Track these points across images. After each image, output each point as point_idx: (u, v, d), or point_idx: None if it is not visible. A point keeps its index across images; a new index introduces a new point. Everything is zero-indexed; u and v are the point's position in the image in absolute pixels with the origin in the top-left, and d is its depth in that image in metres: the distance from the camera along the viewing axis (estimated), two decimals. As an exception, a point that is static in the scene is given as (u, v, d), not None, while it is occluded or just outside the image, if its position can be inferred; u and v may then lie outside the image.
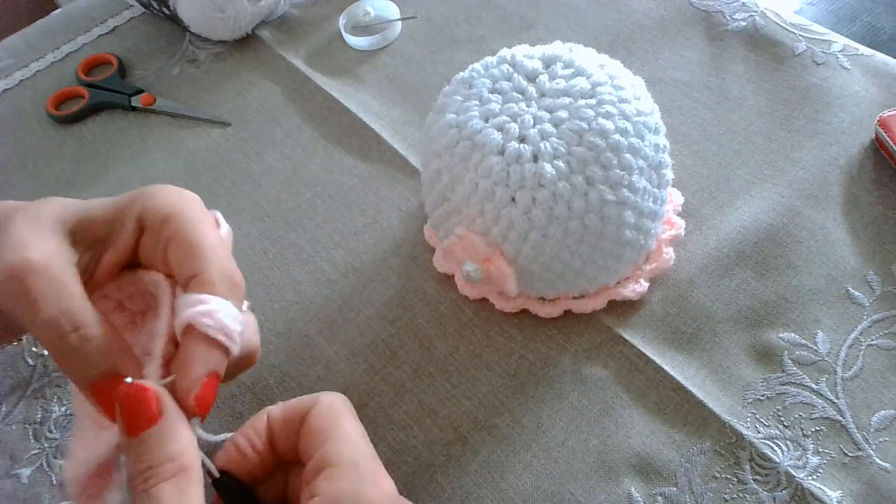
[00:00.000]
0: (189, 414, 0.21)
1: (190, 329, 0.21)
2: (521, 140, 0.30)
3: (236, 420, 0.33)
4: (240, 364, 0.24)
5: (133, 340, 0.24)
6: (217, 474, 0.23)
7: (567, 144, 0.29)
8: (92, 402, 0.21)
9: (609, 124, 0.29)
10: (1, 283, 0.21)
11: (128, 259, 0.24)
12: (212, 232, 0.24)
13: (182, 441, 0.21)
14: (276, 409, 0.25)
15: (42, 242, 0.22)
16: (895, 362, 0.31)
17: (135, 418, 0.20)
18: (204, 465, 0.22)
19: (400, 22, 0.49)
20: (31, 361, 0.37)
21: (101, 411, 0.21)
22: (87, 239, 0.23)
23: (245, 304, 0.24)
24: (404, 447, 0.31)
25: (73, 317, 0.21)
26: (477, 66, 0.33)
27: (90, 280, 0.23)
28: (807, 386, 0.31)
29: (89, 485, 0.22)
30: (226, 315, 0.22)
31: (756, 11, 0.45)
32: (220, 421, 0.33)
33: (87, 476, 0.22)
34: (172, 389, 0.21)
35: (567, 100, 0.30)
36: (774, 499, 0.28)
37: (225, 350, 0.22)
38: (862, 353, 0.32)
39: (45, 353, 0.37)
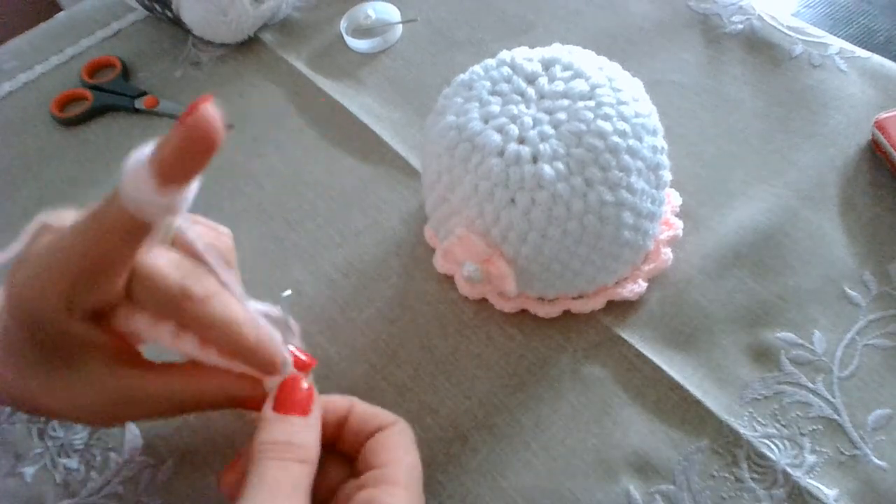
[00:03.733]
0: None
1: None
2: (521, 141, 0.30)
3: (237, 418, 0.33)
4: None
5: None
6: None
7: (566, 146, 0.30)
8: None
9: (608, 126, 0.30)
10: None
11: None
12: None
13: (317, 439, 0.24)
14: (361, 406, 0.27)
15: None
16: (891, 362, 0.32)
17: (291, 402, 0.24)
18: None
19: (401, 25, 0.49)
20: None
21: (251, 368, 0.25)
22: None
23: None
24: (405, 446, 0.32)
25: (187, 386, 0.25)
26: (477, 68, 0.33)
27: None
28: (804, 385, 0.31)
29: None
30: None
31: (753, 14, 0.46)
32: (224, 419, 0.33)
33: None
34: None
35: (566, 101, 0.31)
36: (772, 497, 0.29)
37: None
38: (858, 352, 0.32)
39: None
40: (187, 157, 0.20)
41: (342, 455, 0.26)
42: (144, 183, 0.20)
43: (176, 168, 0.20)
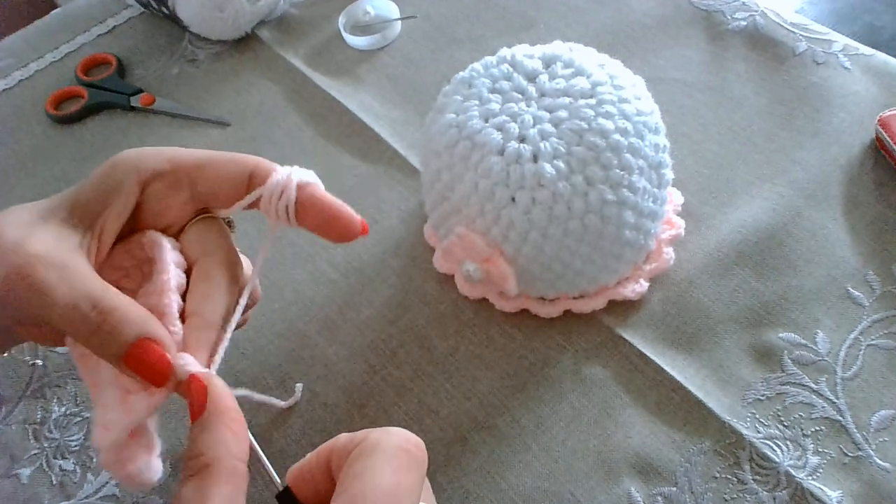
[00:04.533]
0: (362, 232, 0.25)
1: (305, 188, 0.24)
2: (521, 140, 0.30)
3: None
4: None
5: (142, 303, 0.23)
6: (279, 487, 0.22)
7: (567, 144, 0.29)
8: (127, 373, 0.21)
9: (609, 124, 0.29)
10: (9, 284, 0.21)
11: (128, 224, 0.24)
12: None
13: (215, 435, 0.20)
14: (342, 438, 0.22)
15: (39, 234, 0.22)
16: (895, 362, 0.31)
17: (190, 408, 0.21)
18: (267, 474, 0.22)
19: (400, 21, 0.49)
20: (30, 361, 0.37)
21: (139, 379, 0.21)
22: (83, 218, 0.23)
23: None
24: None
25: (90, 295, 0.21)
26: (477, 65, 0.33)
27: (97, 256, 0.23)
28: (807, 386, 0.31)
29: (124, 449, 0.22)
30: (308, 173, 0.25)
31: (756, 11, 0.45)
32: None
33: (121, 440, 0.21)
34: None
35: (567, 99, 0.30)
36: (774, 499, 0.28)
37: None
38: (862, 352, 0.32)
39: (49, 353, 0.37)
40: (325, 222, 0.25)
41: None
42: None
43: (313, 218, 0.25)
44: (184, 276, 0.24)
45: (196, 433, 0.20)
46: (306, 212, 0.24)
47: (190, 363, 0.21)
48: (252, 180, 0.24)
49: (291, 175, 0.24)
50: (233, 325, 0.23)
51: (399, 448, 0.20)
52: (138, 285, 0.24)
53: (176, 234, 0.25)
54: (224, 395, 0.21)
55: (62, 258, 0.21)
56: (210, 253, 0.24)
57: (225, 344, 0.23)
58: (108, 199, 0.23)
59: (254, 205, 0.25)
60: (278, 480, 0.22)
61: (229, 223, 0.26)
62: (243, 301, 0.24)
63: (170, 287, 0.22)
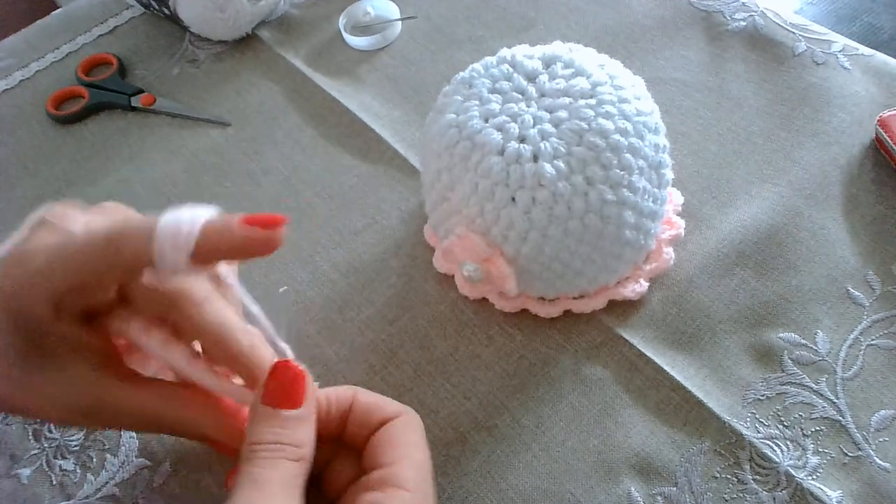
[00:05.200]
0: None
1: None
2: (521, 140, 0.30)
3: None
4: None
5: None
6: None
7: (567, 144, 0.29)
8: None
9: (609, 124, 0.29)
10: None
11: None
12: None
13: (311, 434, 0.22)
14: (364, 396, 0.25)
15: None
16: (895, 362, 0.31)
17: (282, 394, 0.22)
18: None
19: (400, 22, 0.49)
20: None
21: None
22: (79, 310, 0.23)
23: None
24: (404, 447, 0.31)
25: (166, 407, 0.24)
26: (477, 65, 0.33)
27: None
28: (807, 386, 0.31)
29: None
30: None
31: (756, 11, 0.45)
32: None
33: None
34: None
35: (567, 100, 0.30)
36: (774, 499, 0.28)
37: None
38: (862, 352, 0.32)
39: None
40: (236, 253, 0.21)
41: (351, 448, 0.25)
42: (180, 254, 0.20)
43: (220, 256, 0.21)
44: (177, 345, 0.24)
45: (294, 424, 0.22)
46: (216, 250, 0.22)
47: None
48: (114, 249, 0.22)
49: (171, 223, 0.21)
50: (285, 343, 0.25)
51: (420, 424, 0.25)
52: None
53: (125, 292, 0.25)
54: (315, 397, 0.24)
55: (104, 391, 0.23)
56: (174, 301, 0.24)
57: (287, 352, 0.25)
58: (52, 331, 0.23)
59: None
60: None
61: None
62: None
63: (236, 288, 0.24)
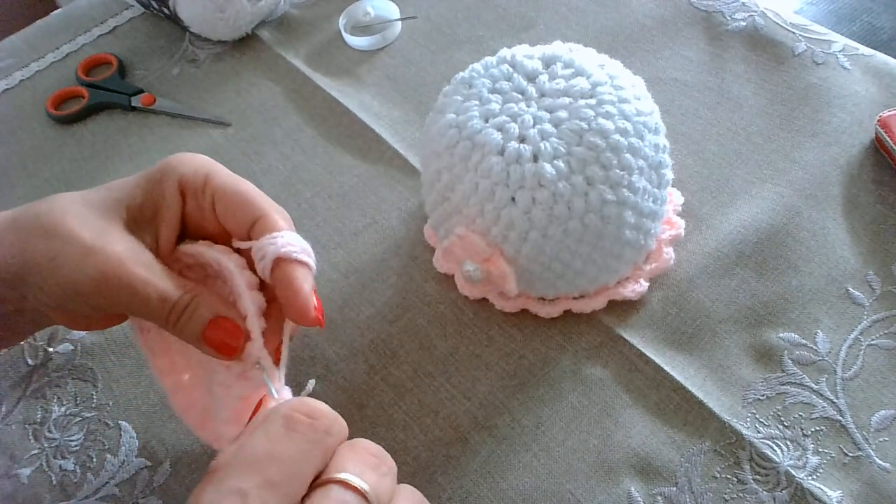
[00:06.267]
0: (313, 324, 0.24)
1: (280, 261, 0.24)
2: (521, 140, 0.30)
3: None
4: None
5: None
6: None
7: (567, 144, 0.29)
8: (205, 350, 0.24)
9: (609, 124, 0.29)
10: (103, 284, 0.23)
11: (178, 231, 0.26)
12: (245, 180, 0.27)
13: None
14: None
15: (115, 234, 0.24)
16: (895, 362, 0.31)
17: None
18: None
19: (400, 22, 0.49)
20: (30, 362, 0.37)
21: (215, 354, 0.24)
22: (140, 223, 0.25)
23: None
24: (404, 447, 0.31)
25: (170, 283, 0.24)
26: (477, 66, 0.33)
27: (159, 255, 0.25)
28: (807, 386, 0.31)
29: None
30: (300, 240, 0.25)
31: (756, 11, 0.45)
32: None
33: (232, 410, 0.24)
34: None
35: (567, 100, 0.30)
36: (774, 499, 0.28)
37: (311, 268, 0.25)
38: (862, 352, 0.32)
39: (48, 350, 0.37)
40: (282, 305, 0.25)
41: None
42: (264, 266, 0.25)
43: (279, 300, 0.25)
44: (260, 295, 0.25)
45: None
46: (275, 284, 0.25)
47: (263, 353, 0.24)
48: (253, 228, 0.26)
49: (278, 243, 0.25)
50: (288, 332, 0.26)
51: (283, 416, 0.20)
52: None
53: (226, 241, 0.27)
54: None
55: (142, 257, 0.24)
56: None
57: (285, 352, 0.25)
58: (158, 207, 0.26)
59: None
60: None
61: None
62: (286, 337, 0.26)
63: (251, 312, 0.25)
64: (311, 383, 0.32)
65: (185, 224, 0.27)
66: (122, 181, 0.26)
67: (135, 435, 0.33)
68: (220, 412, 0.25)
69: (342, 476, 0.19)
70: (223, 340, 0.24)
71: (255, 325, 0.24)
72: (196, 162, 0.26)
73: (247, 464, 0.18)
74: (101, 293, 0.23)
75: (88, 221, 0.24)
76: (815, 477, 0.29)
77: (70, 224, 0.24)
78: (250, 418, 0.23)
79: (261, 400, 0.24)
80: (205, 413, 0.26)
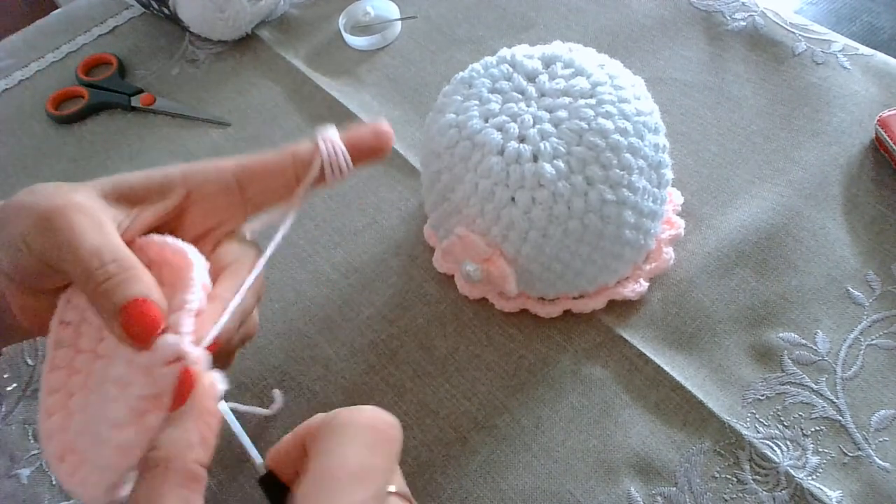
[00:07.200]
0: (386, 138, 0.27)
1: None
2: (521, 140, 0.30)
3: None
4: (242, 338, 0.26)
5: None
6: (262, 471, 0.22)
7: (567, 144, 0.29)
8: (115, 329, 0.22)
9: (609, 124, 0.29)
10: (46, 217, 0.22)
11: (160, 222, 0.25)
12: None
13: (178, 432, 0.20)
14: (318, 417, 0.22)
15: (86, 192, 0.24)
16: (895, 362, 0.31)
17: (173, 400, 0.21)
18: (251, 458, 0.22)
19: (400, 22, 0.49)
20: (30, 362, 0.37)
21: (126, 336, 0.21)
22: (122, 199, 0.25)
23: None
24: (404, 447, 0.31)
25: (113, 249, 0.22)
26: (477, 65, 0.33)
27: (124, 234, 0.24)
28: (806, 386, 0.31)
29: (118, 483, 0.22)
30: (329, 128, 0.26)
31: (756, 11, 0.45)
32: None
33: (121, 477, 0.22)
34: None
35: (567, 100, 0.30)
36: (774, 499, 0.28)
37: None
38: (862, 352, 0.32)
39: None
40: (368, 154, 0.27)
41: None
42: (342, 160, 0.26)
43: (361, 158, 0.27)
44: (205, 299, 0.24)
45: (163, 426, 0.20)
46: (357, 153, 0.26)
47: (180, 341, 0.21)
48: (298, 162, 0.26)
49: (328, 135, 0.26)
50: (234, 304, 0.23)
51: (368, 426, 0.20)
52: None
53: (218, 239, 0.26)
54: (207, 396, 0.21)
55: (98, 215, 0.23)
56: (241, 259, 0.25)
57: (220, 324, 0.22)
58: (152, 195, 0.25)
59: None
60: (260, 461, 0.22)
61: (254, 243, 0.27)
62: (249, 280, 0.24)
63: (191, 309, 0.22)
64: (278, 395, 0.31)
65: (179, 226, 0.26)
66: (136, 173, 0.26)
67: (135, 435, 0.33)
68: (106, 416, 0.22)
69: (392, 489, 0.20)
70: (141, 323, 0.21)
71: (188, 320, 0.22)
72: (207, 163, 0.26)
73: (357, 478, 0.19)
74: (43, 231, 0.22)
75: (75, 186, 0.24)
76: (814, 477, 0.29)
77: (48, 187, 0.24)
78: (178, 398, 0.20)
79: (188, 377, 0.21)
80: (75, 439, 0.23)
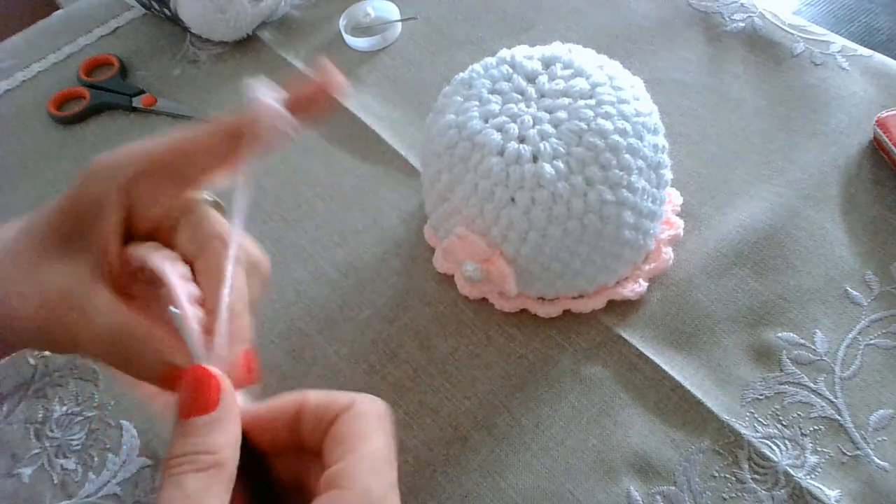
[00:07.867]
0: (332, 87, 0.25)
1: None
2: (521, 140, 0.30)
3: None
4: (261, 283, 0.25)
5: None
6: None
7: (566, 145, 0.30)
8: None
9: (608, 125, 0.30)
10: (41, 323, 0.22)
11: (122, 233, 0.24)
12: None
13: (227, 436, 0.21)
14: (315, 397, 0.23)
15: (53, 266, 0.23)
16: (893, 362, 0.31)
17: (192, 402, 0.21)
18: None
19: (400, 23, 0.49)
20: (32, 361, 0.37)
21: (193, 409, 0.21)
22: (82, 242, 0.23)
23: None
24: (404, 447, 0.32)
25: (120, 327, 0.22)
26: (477, 66, 0.33)
27: (110, 276, 0.23)
28: (805, 385, 0.31)
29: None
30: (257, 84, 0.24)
31: (754, 12, 0.45)
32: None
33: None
34: None
35: (566, 100, 0.30)
36: (773, 498, 0.28)
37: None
38: (860, 352, 0.32)
39: (46, 353, 0.37)
40: (314, 104, 0.25)
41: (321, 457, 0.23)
42: (283, 117, 0.24)
43: (305, 109, 0.25)
44: (202, 310, 0.23)
45: (206, 430, 0.20)
46: (297, 105, 0.25)
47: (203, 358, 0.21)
48: (235, 132, 0.25)
49: (263, 100, 0.25)
50: (225, 297, 0.23)
51: (383, 416, 0.22)
52: (145, 287, 0.24)
53: (173, 225, 0.25)
54: (234, 397, 0.21)
55: (85, 293, 0.22)
56: (205, 247, 0.24)
57: (222, 324, 0.22)
58: (96, 216, 0.23)
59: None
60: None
61: (217, 204, 0.26)
62: (230, 266, 0.23)
63: (187, 316, 0.22)
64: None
65: (129, 221, 0.24)
66: (53, 204, 0.25)
67: (136, 434, 0.33)
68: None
69: None
70: (193, 389, 0.21)
71: (193, 336, 0.21)
72: (124, 152, 0.25)
73: (390, 462, 0.21)
74: (40, 335, 0.22)
75: (18, 258, 0.23)
76: (813, 476, 0.29)
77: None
78: (207, 403, 0.21)
79: (215, 382, 0.21)
80: None
